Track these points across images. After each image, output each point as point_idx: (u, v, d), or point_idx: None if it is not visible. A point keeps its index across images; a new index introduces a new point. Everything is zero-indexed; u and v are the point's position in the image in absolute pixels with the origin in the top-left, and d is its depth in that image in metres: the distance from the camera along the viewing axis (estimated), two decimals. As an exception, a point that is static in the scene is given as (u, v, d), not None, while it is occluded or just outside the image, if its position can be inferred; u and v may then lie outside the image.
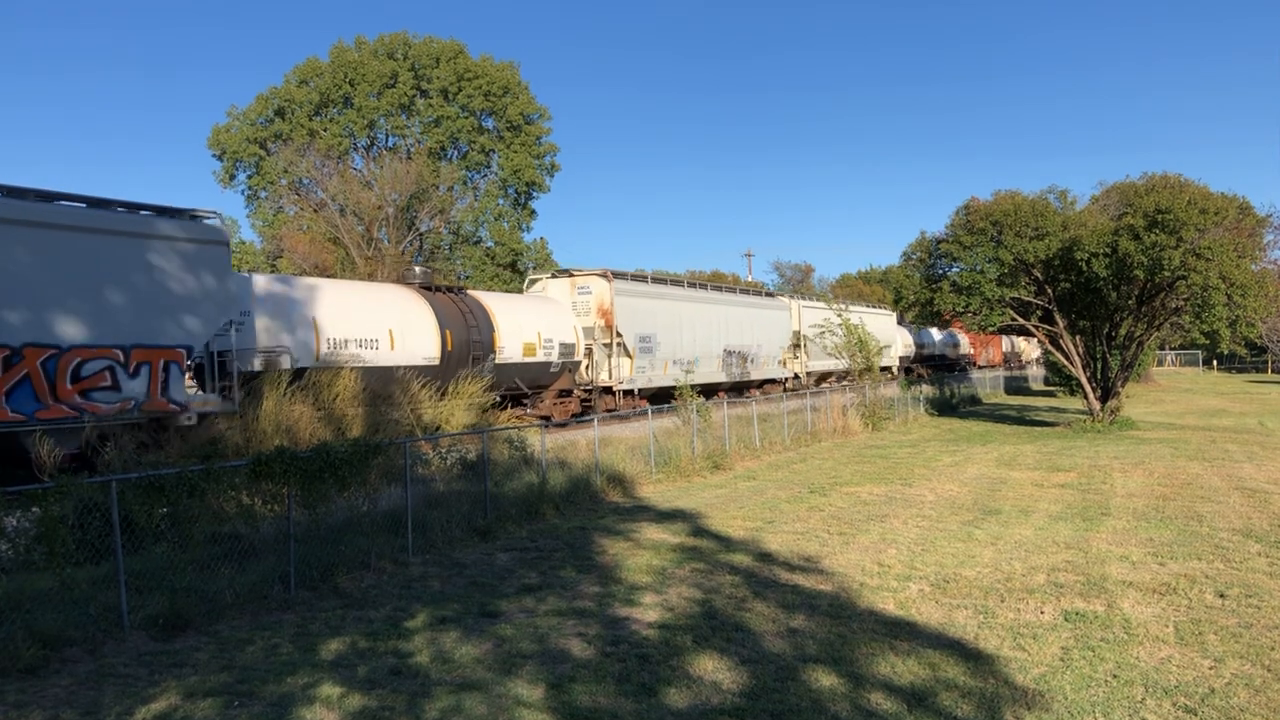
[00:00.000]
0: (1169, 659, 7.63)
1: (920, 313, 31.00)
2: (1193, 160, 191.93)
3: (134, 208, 16.56)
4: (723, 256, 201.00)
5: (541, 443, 16.65)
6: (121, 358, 15.82)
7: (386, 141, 56.75)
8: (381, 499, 12.34)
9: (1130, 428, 28.25)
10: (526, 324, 27.26)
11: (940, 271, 30.13)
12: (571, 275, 32.05)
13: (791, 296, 49.12)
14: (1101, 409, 29.54)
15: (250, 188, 55.48)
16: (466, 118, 55.78)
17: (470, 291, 27.22)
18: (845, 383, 38.06)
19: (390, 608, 9.58)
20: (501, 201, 57.69)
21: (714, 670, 7.54)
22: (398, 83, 54.53)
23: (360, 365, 21.29)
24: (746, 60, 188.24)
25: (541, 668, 7.63)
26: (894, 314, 52.95)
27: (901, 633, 8.44)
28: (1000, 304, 28.63)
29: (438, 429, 21.07)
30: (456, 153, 57.31)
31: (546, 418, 25.58)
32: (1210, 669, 7.38)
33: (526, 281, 33.97)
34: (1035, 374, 59.58)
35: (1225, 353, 63.52)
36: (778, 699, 6.89)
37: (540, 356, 27.47)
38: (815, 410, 27.78)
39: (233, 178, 55.47)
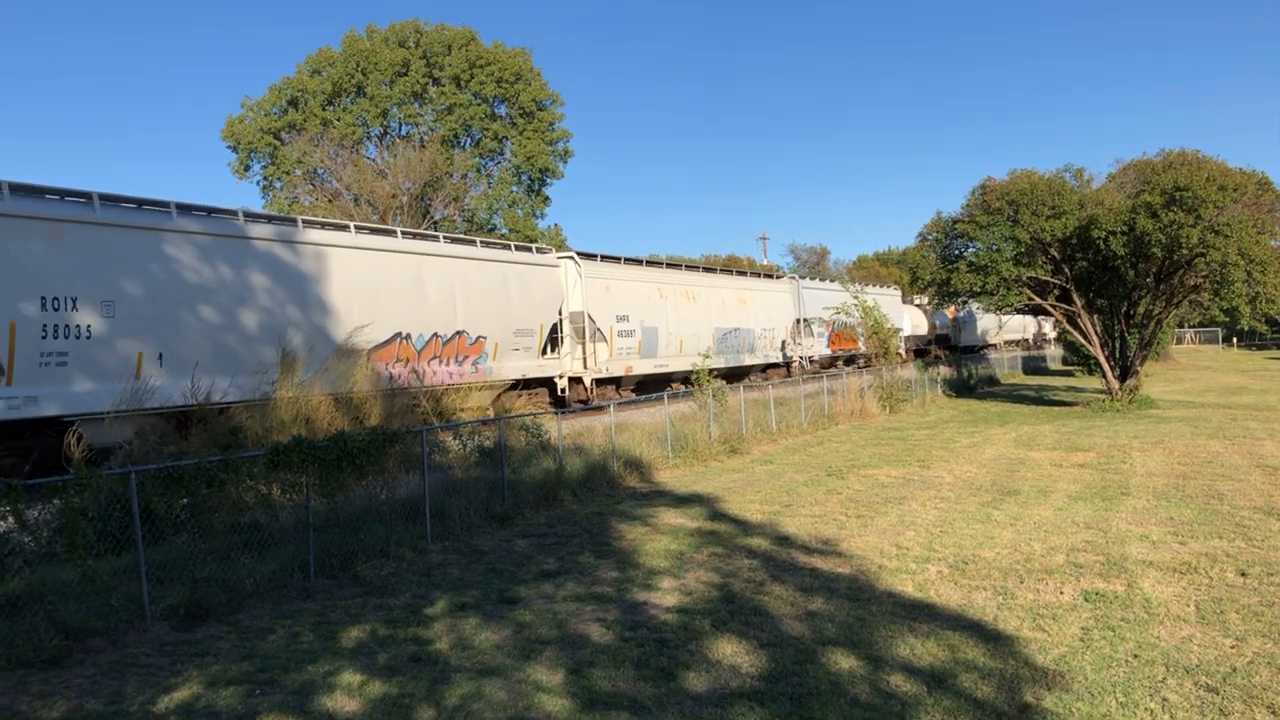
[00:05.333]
0: (1190, 638, 7.59)
1: (937, 293, 30.89)
2: (1210, 136, 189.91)
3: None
4: (738, 239, 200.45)
5: (558, 429, 16.66)
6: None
7: (400, 130, 56.75)
8: (400, 487, 12.39)
9: (1149, 406, 28.07)
10: (923, 321, 59.83)
11: (957, 251, 29.99)
12: (913, 298, 59.71)
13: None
14: (1120, 388, 29.34)
15: (265, 178, 55.58)
16: (479, 105, 55.69)
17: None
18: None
19: (410, 595, 9.62)
20: (515, 188, 57.62)
21: (733, 654, 7.54)
22: (410, 71, 54.47)
23: (905, 334, 47.89)
24: (761, 43, 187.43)
25: (561, 653, 7.65)
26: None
27: (920, 614, 8.42)
28: (1017, 283, 28.46)
29: (452, 416, 21.22)
30: (470, 140, 57.26)
31: (584, 401, 28.08)
32: (1232, 648, 7.34)
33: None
34: (1053, 353, 59.20)
35: (1245, 329, 62.93)
36: (797, 682, 6.89)
37: (932, 334, 61.28)
38: (832, 393, 27.72)
39: (247, 169, 55.59)
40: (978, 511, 12.98)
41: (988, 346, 66.20)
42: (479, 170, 56.97)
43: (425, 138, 54.26)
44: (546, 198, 59.27)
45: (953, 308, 50.81)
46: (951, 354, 54.22)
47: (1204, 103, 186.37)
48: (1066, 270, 28.75)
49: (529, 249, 28.49)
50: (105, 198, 17.20)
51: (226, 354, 18.30)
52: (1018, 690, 6.65)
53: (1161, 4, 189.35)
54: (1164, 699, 6.44)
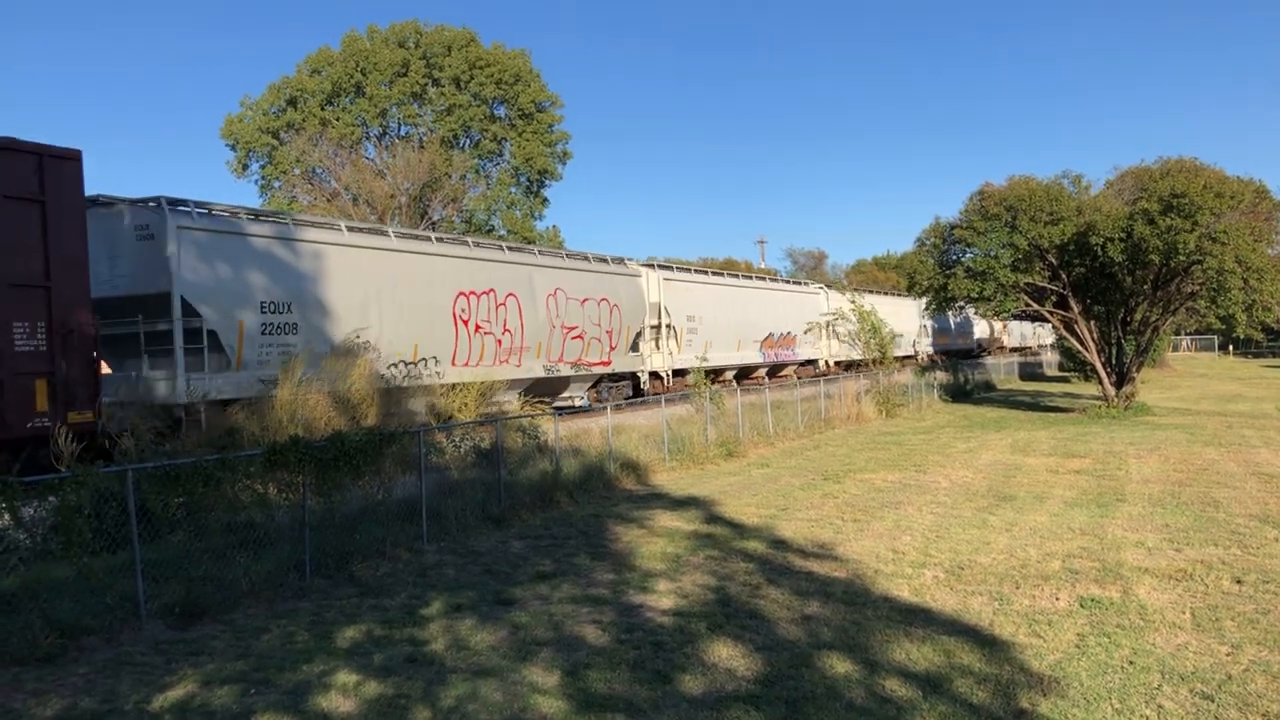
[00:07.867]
0: (1185, 645, 7.60)
1: (934, 298, 30.93)
2: (1208, 144, 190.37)
3: None
4: (736, 242, 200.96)
5: (555, 431, 16.66)
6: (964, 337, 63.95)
7: (399, 130, 56.75)
8: (396, 487, 12.38)
9: (1145, 413, 28.11)
10: (984, 326, 65.62)
11: (954, 257, 30.04)
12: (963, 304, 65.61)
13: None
14: (1116, 394, 29.40)
15: (264, 177, 55.53)
16: (478, 106, 55.70)
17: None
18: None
19: (405, 595, 9.62)
20: (514, 190, 57.63)
21: (729, 657, 7.54)
22: (409, 71, 54.46)
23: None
24: (759, 46, 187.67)
25: (557, 655, 7.65)
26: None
27: (916, 619, 8.42)
28: (1015, 289, 28.50)
29: (449, 418, 21.25)
30: (469, 141, 57.26)
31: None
32: (1227, 655, 7.35)
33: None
34: (1050, 359, 59.32)
35: (1241, 337, 63.17)
36: (792, 686, 6.89)
37: (984, 335, 69.06)
38: (829, 397, 27.75)
39: (246, 168, 55.53)
40: (974, 517, 12.99)
41: (1025, 348, 73.82)
42: (478, 171, 56.99)
43: (424, 138, 54.27)
44: (545, 199, 59.33)
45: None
46: (990, 355, 64.46)
47: (1202, 110, 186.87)
48: (1064, 276, 28.80)
49: (807, 284, 48.92)
50: (712, 271, 39.48)
51: (733, 337, 36.93)
52: (1013, 696, 6.65)
53: (1161, 10, 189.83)
54: (1159, 706, 6.45)
